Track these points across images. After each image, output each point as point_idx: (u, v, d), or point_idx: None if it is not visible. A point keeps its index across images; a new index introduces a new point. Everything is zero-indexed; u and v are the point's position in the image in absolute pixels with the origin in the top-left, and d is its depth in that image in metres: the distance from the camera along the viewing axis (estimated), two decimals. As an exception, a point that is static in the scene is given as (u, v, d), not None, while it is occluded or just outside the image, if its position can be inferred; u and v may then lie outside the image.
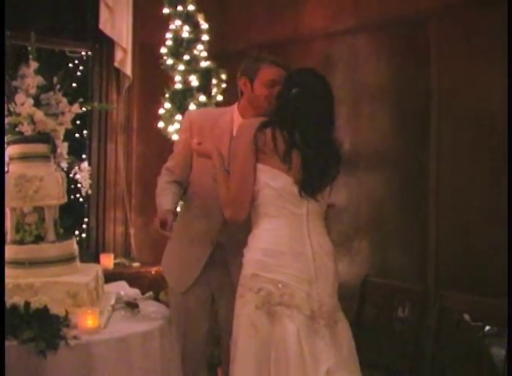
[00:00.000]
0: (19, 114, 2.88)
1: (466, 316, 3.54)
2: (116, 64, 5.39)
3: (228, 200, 2.76)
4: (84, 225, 5.65)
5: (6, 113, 2.93)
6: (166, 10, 5.15)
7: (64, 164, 3.21)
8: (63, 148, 3.08)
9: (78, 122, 5.18)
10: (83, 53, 5.65)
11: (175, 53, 5.08)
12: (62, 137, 3.04)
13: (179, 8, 5.12)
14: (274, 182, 2.71)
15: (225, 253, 3.22)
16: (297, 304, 2.63)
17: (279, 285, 2.62)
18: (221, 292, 3.28)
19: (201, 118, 3.33)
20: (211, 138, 3.19)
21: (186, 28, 5.10)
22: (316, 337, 2.63)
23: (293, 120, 2.75)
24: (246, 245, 2.79)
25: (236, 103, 3.28)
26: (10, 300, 2.61)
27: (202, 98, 4.96)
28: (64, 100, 3.01)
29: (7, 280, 2.69)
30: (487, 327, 3.42)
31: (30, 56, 3.03)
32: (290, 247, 2.68)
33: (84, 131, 5.62)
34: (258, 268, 2.67)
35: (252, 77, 3.16)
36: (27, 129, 2.86)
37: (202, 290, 3.28)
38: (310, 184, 2.74)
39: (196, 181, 3.27)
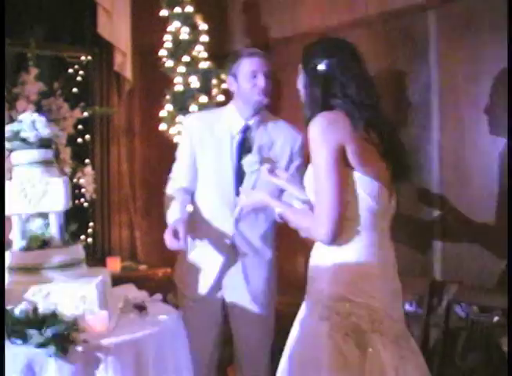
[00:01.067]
0: (21, 121, 2.89)
1: (475, 308, 3.54)
2: (116, 68, 5.39)
3: (322, 224, 2.34)
4: (90, 230, 5.65)
5: (8, 120, 2.94)
6: (164, 12, 5.15)
7: (68, 169, 3.22)
8: (65, 153, 3.10)
9: (80, 127, 5.18)
10: (82, 58, 5.65)
11: (175, 55, 5.08)
12: (64, 142, 3.05)
13: (177, 9, 5.12)
14: (375, 197, 2.39)
15: (239, 254, 3.24)
16: (386, 330, 2.37)
17: (371, 311, 2.36)
18: (234, 294, 3.30)
19: (199, 123, 3.36)
20: (212, 141, 3.22)
21: (185, 29, 5.10)
22: (406, 364, 2.38)
23: (349, 100, 2.39)
24: (324, 258, 2.45)
25: (231, 103, 3.30)
26: (18, 306, 2.61)
27: (203, 99, 4.97)
28: (65, 106, 3.03)
29: (15, 287, 2.70)
30: (495, 318, 3.42)
31: (30, 63, 3.04)
32: (380, 269, 2.43)
33: (87, 136, 5.61)
34: (349, 291, 2.37)
35: (235, 73, 3.25)
36: (29, 136, 2.87)
37: (215, 293, 3.29)
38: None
39: (204, 186, 3.29)
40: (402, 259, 4.57)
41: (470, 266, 4.14)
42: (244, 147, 3.22)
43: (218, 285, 3.29)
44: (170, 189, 3.33)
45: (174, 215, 3.17)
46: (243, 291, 3.27)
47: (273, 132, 3.27)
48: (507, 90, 3.57)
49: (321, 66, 2.45)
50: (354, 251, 2.40)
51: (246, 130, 3.25)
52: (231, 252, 3.27)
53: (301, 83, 2.54)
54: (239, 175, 3.21)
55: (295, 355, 2.47)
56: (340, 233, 2.37)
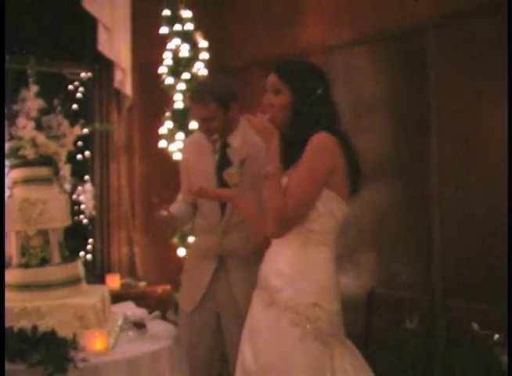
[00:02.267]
0: (21, 138, 2.89)
1: (475, 325, 3.52)
2: (116, 85, 5.41)
3: (280, 218, 2.51)
4: (89, 246, 5.64)
5: (8, 137, 2.94)
6: (164, 29, 5.18)
7: (67, 186, 3.22)
8: (65, 170, 3.09)
9: (80, 143, 5.18)
10: (82, 75, 5.66)
11: (175, 72, 5.10)
12: (64, 159, 3.05)
13: (177, 27, 5.14)
14: (340, 214, 2.58)
15: (227, 267, 3.31)
16: (339, 333, 2.58)
17: (332, 316, 2.54)
18: (225, 307, 3.34)
19: (191, 143, 3.56)
20: (198, 159, 3.40)
21: (185, 47, 5.12)
22: (356, 359, 2.61)
23: (337, 130, 2.58)
24: (289, 269, 2.57)
25: None
26: (17, 324, 2.60)
27: (203, 116, 4.97)
28: (65, 122, 3.02)
29: (13, 304, 2.69)
30: (496, 336, 3.40)
31: (30, 80, 3.04)
32: (335, 281, 2.61)
33: (86, 152, 5.62)
34: (319, 298, 2.52)
35: None
36: (29, 153, 2.87)
37: (207, 307, 3.34)
38: None
39: (198, 200, 3.40)
40: (403, 276, 4.59)
41: (471, 283, 4.13)
42: (225, 162, 3.30)
43: (208, 297, 3.35)
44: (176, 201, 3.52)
45: (172, 207, 3.35)
46: (232, 304, 3.32)
47: (253, 146, 3.33)
48: (507, 97, 3.58)
49: (316, 89, 2.58)
50: (321, 261, 2.56)
51: (225, 146, 3.35)
52: (220, 265, 3.34)
53: (281, 100, 2.59)
54: (223, 187, 3.28)
55: (266, 361, 2.53)
56: (298, 240, 2.54)
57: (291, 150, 2.58)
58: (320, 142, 2.51)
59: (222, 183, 3.14)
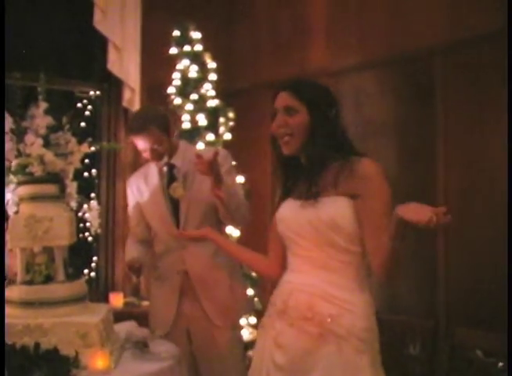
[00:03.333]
0: (28, 155, 2.89)
1: (479, 353, 3.50)
2: (124, 104, 5.43)
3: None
4: (94, 264, 5.63)
5: (16, 153, 2.95)
6: (173, 50, 5.21)
7: (73, 204, 3.22)
8: (72, 187, 3.10)
9: (87, 161, 5.20)
10: (91, 93, 5.69)
11: (183, 93, 5.12)
12: (71, 176, 3.06)
13: (186, 48, 5.17)
14: None
15: (192, 282, 3.39)
16: None
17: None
18: (196, 322, 3.42)
19: (135, 179, 3.66)
20: (147, 186, 3.52)
21: (194, 68, 5.14)
22: None
23: None
24: (348, 292, 2.45)
25: None
26: (20, 341, 2.60)
27: (210, 137, 4.99)
28: (73, 140, 3.03)
29: (17, 321, 2.69)
30: (500, 364, 3.38)
31: (40, 97, 3.06)
32: None
33: (93, 170, 5.63)
34: (372, 320, 2.46)
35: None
36: (36, 170, 2.87)
37: (179, 326, 3.43)
38: None
39: (153, 226, 3.54)
40: (407, 301, 4.57)
41: (475, 310, 4.11)
42: (172, 181, 3.45)
43: (179, 315, 3.43)
44: (129, 242, 3.66)
45: (128, 255, 3.48)
46: (203, 318, 3.38)
47: (190, 162, 3.38)
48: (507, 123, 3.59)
49: (331, 109, 2.49)
50: (366, 284, 2.50)
51: (172, 168, 3.48)
52: (185, 281, 3.40)
53: (299, 119, 2.44)
54: (174, 205, 3.44)
55: None
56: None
57: (315, 174, 2.45)
58: (382, 169, 2.49)
59: (174, 202, 3.39)
